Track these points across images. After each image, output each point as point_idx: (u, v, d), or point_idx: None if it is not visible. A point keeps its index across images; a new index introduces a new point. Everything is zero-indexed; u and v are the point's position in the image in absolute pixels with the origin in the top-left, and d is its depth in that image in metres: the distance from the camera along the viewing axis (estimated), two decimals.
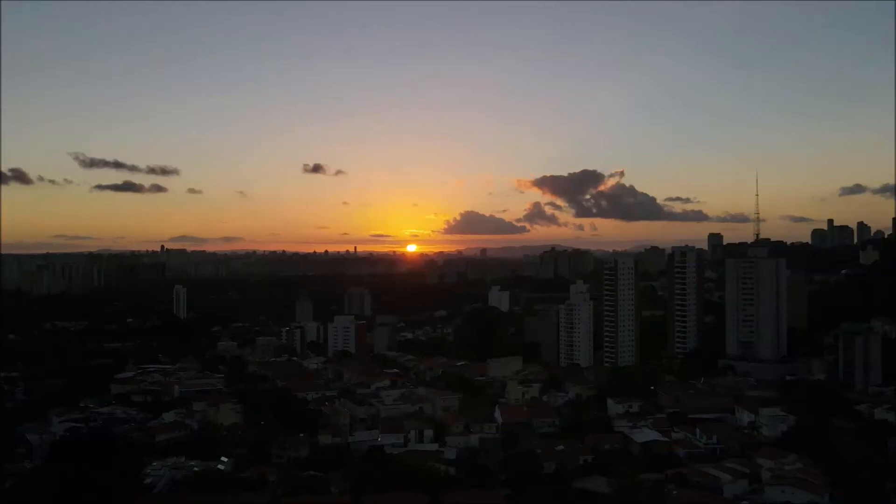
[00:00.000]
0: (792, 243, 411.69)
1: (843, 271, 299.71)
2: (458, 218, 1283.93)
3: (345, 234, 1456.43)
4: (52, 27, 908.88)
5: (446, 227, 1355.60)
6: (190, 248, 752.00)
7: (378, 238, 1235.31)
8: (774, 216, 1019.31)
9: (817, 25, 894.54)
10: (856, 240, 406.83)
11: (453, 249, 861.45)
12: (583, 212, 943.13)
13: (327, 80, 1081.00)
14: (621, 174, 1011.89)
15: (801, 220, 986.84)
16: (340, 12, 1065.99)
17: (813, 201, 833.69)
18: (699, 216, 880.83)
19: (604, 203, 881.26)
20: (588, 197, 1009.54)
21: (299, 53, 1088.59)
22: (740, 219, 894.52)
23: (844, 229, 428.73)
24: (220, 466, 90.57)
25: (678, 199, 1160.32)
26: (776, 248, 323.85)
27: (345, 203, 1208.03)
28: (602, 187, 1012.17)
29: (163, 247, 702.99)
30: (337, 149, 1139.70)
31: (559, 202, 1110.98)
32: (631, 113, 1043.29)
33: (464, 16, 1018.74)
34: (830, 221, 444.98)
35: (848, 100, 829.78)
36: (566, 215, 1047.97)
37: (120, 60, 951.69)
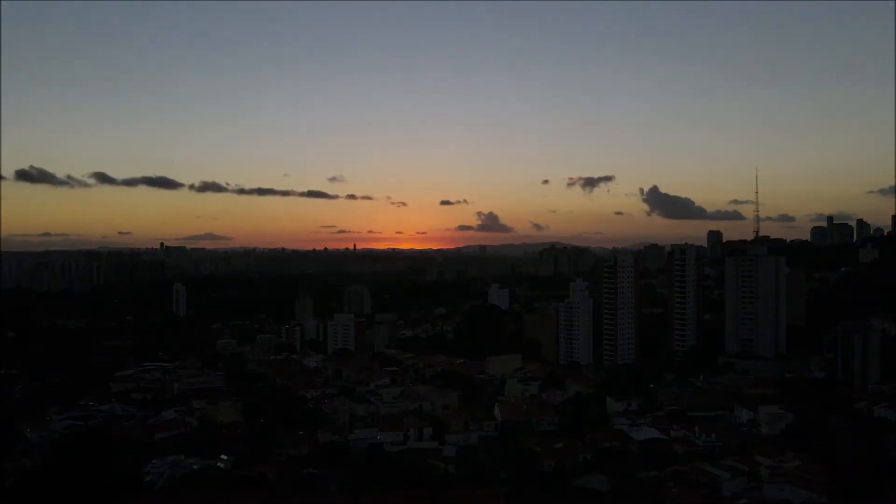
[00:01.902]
0: (791, 241, 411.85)
1: (843, 269, 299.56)
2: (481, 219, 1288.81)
3: (371, 231, 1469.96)
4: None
5: (480, 223, 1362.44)
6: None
7: (421, 235, 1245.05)
8: (802, 214, 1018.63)
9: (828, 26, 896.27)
10: (855, 237, 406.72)
11: (452, 246, 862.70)
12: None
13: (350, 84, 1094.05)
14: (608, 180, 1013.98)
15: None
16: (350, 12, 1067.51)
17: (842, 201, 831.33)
18: (738, 216, 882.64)
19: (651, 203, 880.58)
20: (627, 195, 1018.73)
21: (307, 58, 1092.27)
22: (784, 219, 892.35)
23: (844, 227, 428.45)
24: (220, 464, 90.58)
25: (737, 201, 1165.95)
26: (775, 246, 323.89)
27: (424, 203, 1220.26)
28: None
29: (162, 244, 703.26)
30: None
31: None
32: (661, 119, 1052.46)
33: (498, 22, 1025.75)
34: (830, 219, 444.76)
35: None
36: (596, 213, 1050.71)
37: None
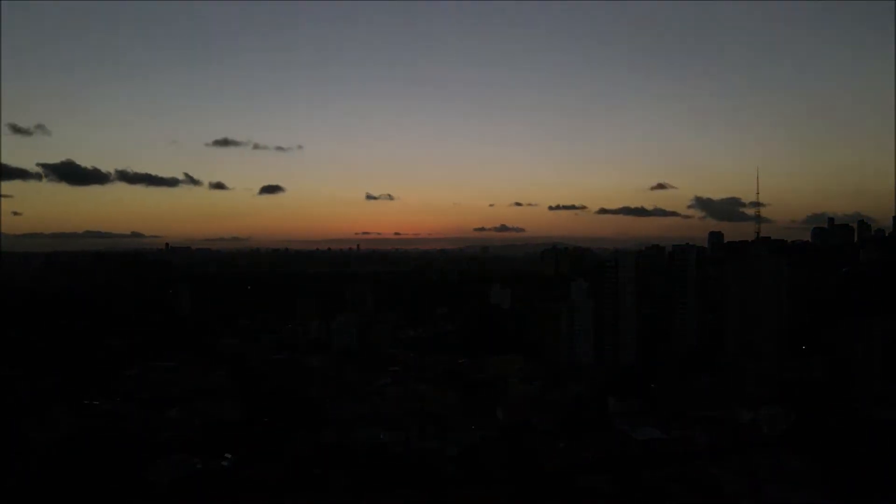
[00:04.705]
0: (792, 241, 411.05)
1: (843, 269, 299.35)
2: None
3: (372, 231, 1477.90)
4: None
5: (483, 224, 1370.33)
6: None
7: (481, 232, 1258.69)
8: (803, 215, 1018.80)
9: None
10: (856, 238, 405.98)
11: (454, 247, 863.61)
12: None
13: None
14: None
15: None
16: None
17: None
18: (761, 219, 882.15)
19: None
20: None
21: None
22: (785, 219, 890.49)
23: (844, 227, 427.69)
24: (224, 464, 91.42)
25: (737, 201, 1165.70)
26: (776, 247, 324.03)
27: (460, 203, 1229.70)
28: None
29: (167, 244, 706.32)
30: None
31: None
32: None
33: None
34: (831, 219, 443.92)
35: None
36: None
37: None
